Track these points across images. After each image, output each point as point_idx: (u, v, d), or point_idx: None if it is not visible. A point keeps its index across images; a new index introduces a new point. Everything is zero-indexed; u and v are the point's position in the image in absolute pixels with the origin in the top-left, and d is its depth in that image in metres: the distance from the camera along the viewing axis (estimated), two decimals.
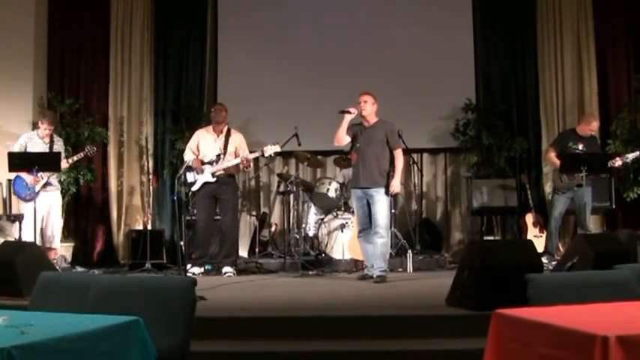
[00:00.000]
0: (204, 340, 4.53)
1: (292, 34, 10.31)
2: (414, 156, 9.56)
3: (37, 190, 8.03)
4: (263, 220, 9.77)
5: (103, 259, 9.87)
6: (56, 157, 8.06)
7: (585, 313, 2.94)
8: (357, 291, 6.78)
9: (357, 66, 10.01)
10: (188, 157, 8.24)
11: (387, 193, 7.31)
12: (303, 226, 9.13)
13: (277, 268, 8.68)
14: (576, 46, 9.76)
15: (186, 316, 3.55)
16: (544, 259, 7.62)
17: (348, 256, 8.48)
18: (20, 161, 7.74)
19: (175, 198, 8.26)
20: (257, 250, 9.12)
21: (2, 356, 2.34)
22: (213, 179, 8.09)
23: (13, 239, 8.48)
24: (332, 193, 8.83)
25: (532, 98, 9.95)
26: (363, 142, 7.40)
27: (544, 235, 8.95)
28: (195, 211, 8.63)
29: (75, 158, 8.30)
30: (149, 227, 9.60)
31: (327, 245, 8.63)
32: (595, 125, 8.63)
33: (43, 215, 8.08)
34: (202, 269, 8.18)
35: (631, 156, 8.42)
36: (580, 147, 8.45)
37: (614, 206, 9.20)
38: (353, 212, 7.96)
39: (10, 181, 8.78)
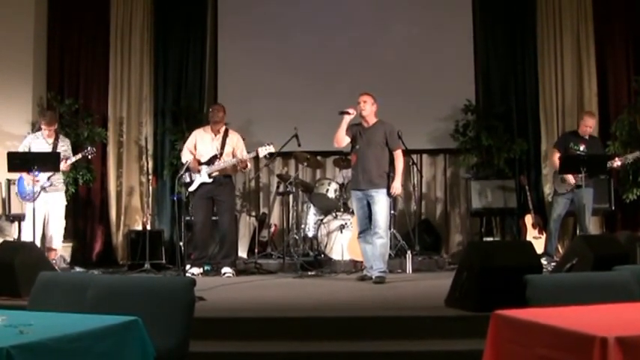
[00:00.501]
0: (203, 341, 4.54)
1: (292, 34, 10.31)
2: (414, 157, 9.56)
3: (35, 191, 8.02)
4: (262, 221, 9.77)
5: (102, 259, 9.86)
6: (55, 157, 8.05)
7: (584, 314, 2.94)
8: (356, 292, 6.78)
9: (357, 66, 10.01)
10: (186, 157, 8.24)
11: (388, 194, 7.30)
12: (303, 226, 9.13)
13: (276, 268, 8.68)
14: (576, 47, 9.76)
15: (185, 317, 3.55)
16: (543, 261, 7.62)
17: (347, 257, 8.48)
18: (19, 161, 7.73)
19: (175, 199, 8.27)
20: (256, 250, 9.12)
21: (1, 356, 2.34)
22: (210, 180, 8.08)
23: (12, 239, 8.48)
24: (331, 194, 8.84)
25: (532, 99, 9.94)
26: (363, 143, 7.39)
27: (543, 237, 8.95)
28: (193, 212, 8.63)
29: (73, 159, 8.28)
30: (148, 228, 9.59)
31: (326, 246, 8.63)
32: (589, 122, 8.58)
33: (44, 215, 8.08)
34: (201, 270, 8.18)
35: (631, 156, 8.44)
36: (581, 148, 8.45)
37: (613, 208, 9.21)
38: (352, 213, 7.96)
39: (9, 181, 8.79)
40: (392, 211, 8.27)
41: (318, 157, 9.69)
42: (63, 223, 8.50)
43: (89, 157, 8.56)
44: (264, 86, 10.09)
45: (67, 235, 9.70)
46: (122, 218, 9.95)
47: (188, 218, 8.67)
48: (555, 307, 3.06)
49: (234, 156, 8.15)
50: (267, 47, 10.23)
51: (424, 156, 10.23)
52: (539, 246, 8.49)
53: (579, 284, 3.64)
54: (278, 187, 9.83)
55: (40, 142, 8.17)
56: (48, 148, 8.13)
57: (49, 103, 9.77)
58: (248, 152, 8.22)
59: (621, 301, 3.25)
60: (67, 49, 10.15)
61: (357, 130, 7.45)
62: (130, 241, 9.22)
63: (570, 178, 8.35)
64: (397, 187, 7.34)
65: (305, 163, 9.39)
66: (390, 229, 7.86)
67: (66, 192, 9.47)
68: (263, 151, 8.08)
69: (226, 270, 8.09)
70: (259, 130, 9.77)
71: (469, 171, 9.94)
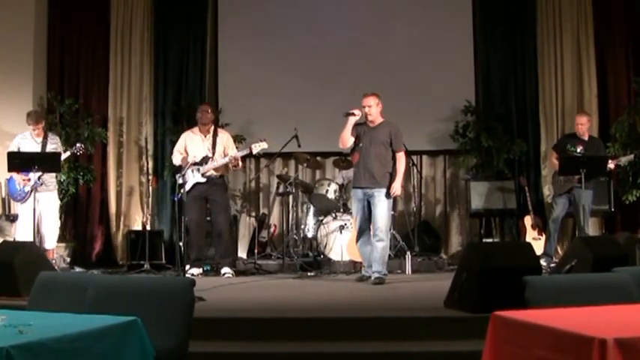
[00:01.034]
0: (202, 341, 4.54)
1: (292, 34, 10.30)
2: (414, 158, 9.56)
3: (27, 191, 8.02)
4: (262, 221, 9.77)
5: (101, 259, 9.85)
6: (56, 157, 8.05)
7: (583, 315, 2.94)
8: (355, 292, 6.79)
9: (357, 67, 10.01)
10: (177, 159, 8.23)
11: (387, 195, 7.29)
12: (302, 227, 9.13)
13: (276, 269, 8.68)
14: (576, 48, 9.76)
15: (185, 317, 3.56)
16: (542, 262, 7.61)
17: (346, 258, 8.47)
18: (19, 161, 7.72)
19: (176, 199, 8.27)
20: (256, 251, 9.11)
21: (1, 356, 2.34)
22: (204, 180, 8.07)
23: (12, 239, 8.47)
24: (331, 195, 8.84)
25: (531, 100, 9.95)
26: (367, 142, 7.33)
27: (543, 238, 8.95)
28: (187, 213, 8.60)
29: (63, 157, 8.25)
30: (148, 228, 9.60)
31: (325, 246, 8.63)
32: (579, 119, 8.55)
33: (37, 216, 8.05)
34: (201, 270, 8.18)
35: (624, 159, 8.45)
36: (578, 149, 8.45)
37: (612, 209, 9.21)
38: (352, 213, 7.92)
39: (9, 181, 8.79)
40: (392, 212, 8.25)
41: (318, 158, 9.69)
42: (57, 223, 8.49)
43: (78, 153, 8.51)
44: (264, 86, 10.09)
45: (67, 235, 9.75)
46: (122, 218, 9.94)
47: (188, 218, 8.66)
48: (554, 309, 3.07)
49: (225, 155, 8.15)
50: (268, 47, 10.23)
51: (424, 157, 10.23)
52: (538, 247, 8.50)
53: (578, 286, 3.65)
54: (278, 187, 9.83)
55: (28, 142, 8.14)
56: (37, 147, 8.10)
57: (49, 103, 9.78)
58: (240, 150, 8.23)
59: (620, 303, 3.25)
60: (67, 49, 10.14)
61: (361, 129, 7.39)
62: (130, 241, 9.22)
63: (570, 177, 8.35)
64: (397, 187, 7.31)
65: (305, 164, 9.39)
66: (389, 230, 7.84)
67: (66, 192, 9.53)
68: (256, 148, 8.04)
69: (226, 270, 8.09)
70: (259, 130, 9.75)
71: (469, 172, 9.94)
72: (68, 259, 9.22)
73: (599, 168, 8.21)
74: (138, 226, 9.76)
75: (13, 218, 8.82)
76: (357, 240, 7.53)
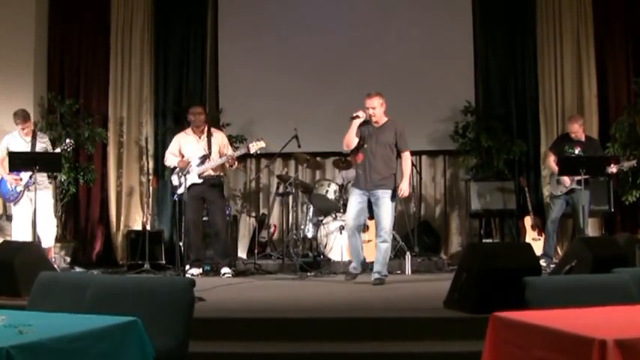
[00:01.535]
0: (202, 341, 4.54)
1: (292, 34, 10.30)
2: (413, 158, 9.53)
3: (19, 191, 8.02)
4: (262, 222, 9.78)
5: (101, 259, 9.86)
6: (57, 157, 8.06)
7: (583, 316, 2.94)
8: (355, 293, 6.78)
9: (357, 67, 10.01)
10: (171, 161, 8.21)
11: (393, 196, 7.22)
12: (302, 227, 9.13)
13: (276, 269, 8.68)
14: (576, 48, 9.76)
15: (185, 317, 3.56)
16: (542, 262, 7.61)
17: (346, 258, 8.45)
18: (20, 161, 7.72)
19: (177, 199, 8.29)
20: (256, 251, 9.10)
21: (1, 356, 2.34)
22: (201, 180, 8.07)
23: (12, 239, 8.47)
24: (331, 195, 8.83)
25: (531, 101, 9.94)
26: (371, 142, 7.23)
27: (542, 238, 8.95)
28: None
29: None
30: (148, 228, 9.60)
31: (325, 247, 8.64)
32: (572, 127, 8.54)
33: (31, 215, 8.04)
34: (201, 270, 8.19)
35: (627, 164, 8.44)
36: (576, 151, 8.46)
37: (612, 209, 9.20)
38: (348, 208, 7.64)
39: None
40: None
41: (318, 158, 9.70)
42: (53, 221, 8.47)
43: (68, 149, 8.48)
44: (264, 87, 10.10)
45: (67, 235, 9.75)
46: (122, 218, 9.96)
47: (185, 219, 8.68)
48: (554, 310, 3.07)
49: (221, 154, 8.15)
50: (268, 48, 10.23)
51: (423, 157, 10.24)
52: (538, 247, 8.50)
53: (578, 286, 3.65)
54: (278, 187, 9.83)
55: (17, 142, 8.13)
56: (26, 147, 8.08)
57: (49, 103, 9.80)
58: (238, 149, 8.23)
59: (620, 304, 3.25)
60: (67, 49, 10.16)
61: (365, 129, 7.28)
62: (130, 241, 9.23)
63: (566, 180, 8.36)
64: (405, 188, 7.25)
65: (305, 164, 9.39)
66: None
67: (66, 192, 9.54)
68: (254, 147, 8.03)
69: (225, 270, 8.09)
70: (260, 130, 9.74)
71: (468, 172, 9.94)
72: (68, 259, 9.24)
73: (599, 168, 8.21)
74: (138, 226, 9.77)
75: (12, 218, 8.81)
76: (348, 235, 7.41)
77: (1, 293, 5.96)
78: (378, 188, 7.17)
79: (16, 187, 8.02)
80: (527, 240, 8.94)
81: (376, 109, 7.24)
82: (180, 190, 7.97)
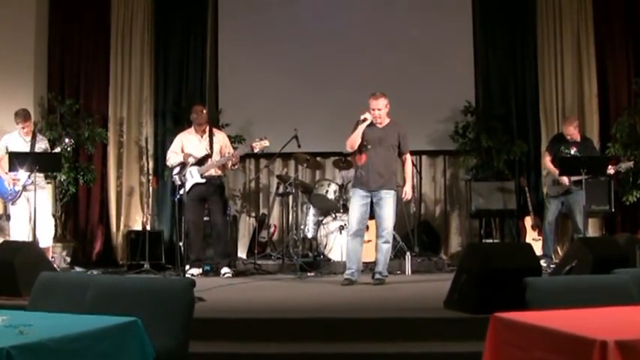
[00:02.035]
0: (202, 341, 4.54)
1: (292, 36, 10.30)
2: (413, 158, 9.54)
3: (17, 190, 8.02)
4: (262, 222, 9.77)
5: (101, 259, 9.86)
6: (57, 157, 8.07)
7: (584, 317, 2.94)
8: (355, 293, 6.78)
9: (357, 68, 10.01)
10: (173, 160, 8.20)
11: (396, 199, 7.20)
12: (302, 227, 9.13)
13: (276, 269, 8.68)
14: (576, 48, 9.76)
15: (185, 317, 3.55)
16: (542, 262, 7.61)
17: (346, 258, 8.46)
18: (20, 161, 7.72)
19: (176, 199, 8.28)
20: (256, 251, 9.11)
21: (1, 356, 2.34)
22: (203, 180, 8.07)
23: (10, 239, 8.46)
24: (331, 195, 8.83)
25: (532, 101, 9.95)
26: (375, 143, 7.19)
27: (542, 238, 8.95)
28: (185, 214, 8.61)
29: None
30: (148, 228, 9.60)
31: (325, 247, 8.64)
32: (567, 130, 8.57)
33: (30, 215, 8.04)
34: (201, 270, 8.18)
35: (624, 166, 8.46)
36: (572, 151, 8.46)
37: (613, 210, 9.19)
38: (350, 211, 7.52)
39: None
40: None
41: (318, 158, 9.69)
42: (51, 221, 8.47)
43: (67, 149, 8.45)
44: (264, 87, 10.09)
45: (67, 235, 9.76)
46: (122, 218, 9.96)
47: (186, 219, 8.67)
48: (555, 310, 3.06)
49: (222, 154, 8.15)
50: (267, 48, 10.23)
51: (424, 157, 10.24)
52: (538, 248, 8.52)
53: (579, 287, 3.65)
54: (278, 187, 9.83)
55: (17, 141, 8.13)
56: (26, 147, 8.09)
57: (49, 104, 9.81)
58: (238, 148, 8.23)
59: (621, 304, 3.25)
60: (67, 49, 10.17)
61: (369, 130, 7.21)
62: (130, 241, 9.23)
63: (565, 180, 8.36)
64: (409, 191, 7.25)
65: (305, 164, 9.38)
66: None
67: (66, 192, 9.54)
68: (258, 146, 8.03)
69: (225, 270, 8.09)
70: (259, 131, 9.72)
71: (469, 172, 9.94)
72: (68, 259, 9.24)
73: (599, 168, 8.22)
74: (138, 227, 9.77)
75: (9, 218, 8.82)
76: (350, 238, 7.27)
77: (2, 293, 5.96)
78: (380, 189, 7.14)
79: (14, 187, 8.02)
80: (528, 240, 8.94)
81: (381, 110, 7.20)
82: (187, 188, 8.00)
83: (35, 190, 7.73)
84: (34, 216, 7.66)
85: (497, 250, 6.39)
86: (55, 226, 9.20)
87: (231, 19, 10.35)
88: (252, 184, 10.42)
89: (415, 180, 9.65)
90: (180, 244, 8.26)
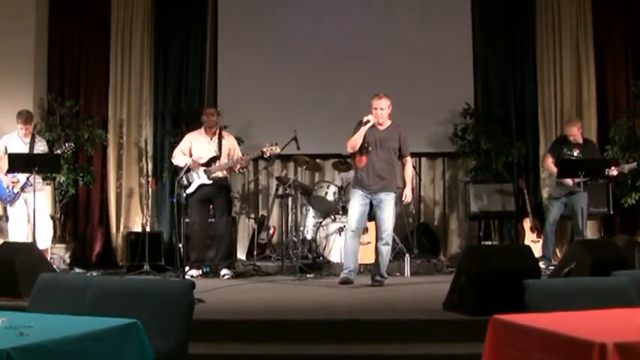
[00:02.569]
0: (202, 343, 4.55)
1: (291, 38, 10.30)
2: (413, 160, 9.54)
3: (16, 192, 8.02)
4: (261, 223, 9.77)
5: (101, 260, 9.85)
6: (56, 158, 8.07)
7: (583, 319, 2.94)
8: (354, 295, 6.78)
9: (356, 70, 10.01)
10: (179, 159, 8.21)
11: (396, 201, 7.20)
12: (301, 229, 9.13)
13: (275, 270, 8.68)
14: (575, 51, 9.77)
15: (185, 319, 3.56)
16: (541, 264, 7.61)
17: None
18: (20, 162, 7.73)
19: (175, 201, 8.28)
20: (255, 252, 9.11)
21: (2, 357, 2.35)
22: (210, 181, 8.09)
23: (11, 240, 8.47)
24: (330, 197, 8.84)
25: (530, 103, 9.96)
26: (376, 145, 7.17)
27: (541, 240, 8.95)
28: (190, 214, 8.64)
29: None
30: (148, 229, 9.60)
31: (324, 248, 8.64)
32: (570, 131, 8.54)
33: (28, 216, 8.05)
34: (200, 272, 8.19)
35: (627, 167, 8.45)
36: (575, 153, 8.46)
37: (611, 212, 9.20)
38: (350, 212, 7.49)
39: None
40: None
41: (317, 160, 9.68)
42: (49, 222, 8.46)
43: (67, 152, 8.44)
44: (263, 89, 10.09)
45: (67, 237, 9.75)
46: (122, 220, 9.95)
47: (187, 220, 8.67)
48: (554, 313, 3.07)
49: (230, 157, 8.17)
50: (267, 50, 10.23)
51: (423, 159, 10.24)
52: (537, 250, 8.51)
53: (578, 289, 3.65)
54: (277, 189, 9.82)
55: (16, 142, 8.13)
56: (24, 148, 8.09)
57: (49, 105, 9.81)
58: (250, 153, 8.25)
59: (620, 307, 3.26)
60: (67, 51, 10.17)
61: (370, 132, 7.19)
62: (130, 242, 9.21)
63: (569, 181, 8.36)
64: (409, 194, 7.23)
65: (304, 166, 9.39)
66: None
67: (65, 193, 9.53)
68: (268, 152, 8.08)
69: (225, 272, 8.10)
70: (259, 132, 9.79)
71: (468, 174, 9.94)
72: (68, 260, 9.23)
73: (598, 170, 8.23)
74: (137, 228, 9.77)
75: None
76: (348, 237, 7.25)
77: (2, 294, 5.97)
78: (381, 191, 7.12)
79: (13, 189, 8.02)
80: (526, 242, 8.95)
81: (384, 110, 7.20)
82: (189, 190, 8.06)
83: (34, 191, 7.73)
84: (34, 217, 7.66)
85: (497, 252, 6.41)
86: (55, 227, 9.20)
87: (230, 21, 10.35)
88: (252, 186, 10.42)
89: (414, 182, 9.65)
90: (180, 245, 8.26)
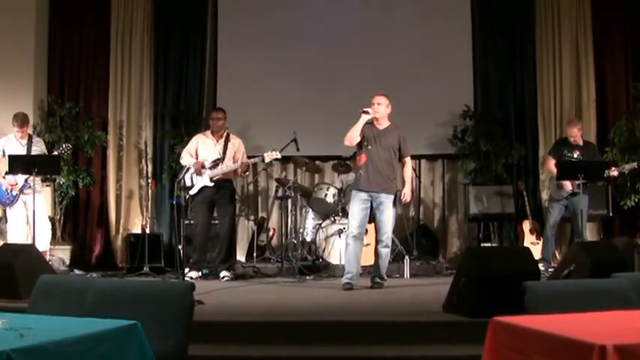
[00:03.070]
0: (201, 344, 4.54)
1: (291, 39, 10.31)
2: (412, 162, 9.54)
3: (15, 194, 8.02)
4: (261, 225, 9.78)
5: (101, 262, 9.85)
6: (56, 159, 8.07)
7: (583, 321, 2.94)
8: (353, 296, 6.78)
9: (356, 72, 10.01)
10: (186, 160, 8.23)
11: (395, 202, 7.19)
12: (301, 231, 9.13)
13: (275, 272, 8.68)
14: (574, 53, 9.77)
15: (184, 320, 3.56)
16: (541, 266, 7.62)
17: (345, 262, 8.45)
18: (20, 164, 7.73)
19: (174, 202, 8.29)
20: (255, 254, 9.11)
21: (2, 359, 2.35)
22: (212, 183, 8.10)
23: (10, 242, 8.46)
24: (330, 199, 8.83)
25: (530, 105, 9.96)
26: (376, 145, 7.15)
27: (541, 242, 8.95)
28: (193, 216, 8.66)
29: None
30: (147, 231, 9.60)
31: (324, 250, 8.63)
32: (571, 132, 8.53)
33: (26, 218, 8.04)
34: (200, 273, 8.19)
35: (628, 167, 8.45)
36: (575, 155, 8.46)
37: (611, 214, 9.20)
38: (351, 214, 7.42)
39: None
40: None
41: (317, 162, 9.69)
42: (48, 224, 8.46)
43: (65, 153, 8.45)
44: (263, 91, 10.10)
45: (67, 238, 9.75)
46: (121, 221, 9.96)
47: (187, 222, 8.68)
48: (554, 314, 3.07)
49: (235, 160, 8.17)
50: (267, 52, 10.24)
51: (422, 161, 10.23)
52: (536, 252, 8.50)
53: (578, 291, 3.65)
54: (277, 191, 9.83)
55: (13, 144, 8.13)
56: (21, 150, 8.09)
57: (49, 106, 9.81)
58: (253, 157, 8.24)
59: (619, 309, 3.26)
60: (67, 52, 10.17)
61: (369, 131, 7.18)
62: (129, 244, 9.22)
63: (568, 185, 8.36)
64: (408, 193, 7.21)
65: (304, 168, 9.39)
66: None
67: (65, 195, 9.52)
68: (269, 157, 8.08)
69: (225, 274, 8.10)
70: (258, 134, 9.79)
71: (467, 176, 9.94)
72: (67, 262, 9.23)
73: (597, 173, 8.22)
74: (137, 230, 9.78)
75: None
76: (350, 242, 7.18)
77: (2, 296, 5.98)
78: (381, 192, 7.10)
79: (12, 191, 8.02)
80: (526, 244, 8.95)
81: (382, 105, 7.19)
82: (192, 191, 8.10)
83: (34, 193, 7.74)
84: (33, 219, 7.67)
85: (496, 253, 6.40)
86: (55, 229, 9.21)
87: (230, 22, 10.36)
88: (251, 188, 10.42)
89: (414, 184, 9.65)
90: (180, 247, 8.26)
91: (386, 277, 7.34)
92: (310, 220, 9.11)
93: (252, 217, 10.27)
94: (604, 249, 6.60)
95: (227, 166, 8.12)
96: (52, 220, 9.04)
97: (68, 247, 9.53)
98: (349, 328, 5.32)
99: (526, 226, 9.30)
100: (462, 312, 5.36)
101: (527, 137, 9.95)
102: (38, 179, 8.15)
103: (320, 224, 8.78)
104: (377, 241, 7.26)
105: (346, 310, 6.04)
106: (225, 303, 6.37)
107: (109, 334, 2.88)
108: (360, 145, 7.24)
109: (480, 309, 4.99)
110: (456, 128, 9.89)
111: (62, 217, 9.79)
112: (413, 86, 9.95)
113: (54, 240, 9.00)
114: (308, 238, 9.07)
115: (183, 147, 8.62)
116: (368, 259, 7.82)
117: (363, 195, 7.14)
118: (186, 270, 7.96)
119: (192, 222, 8.59)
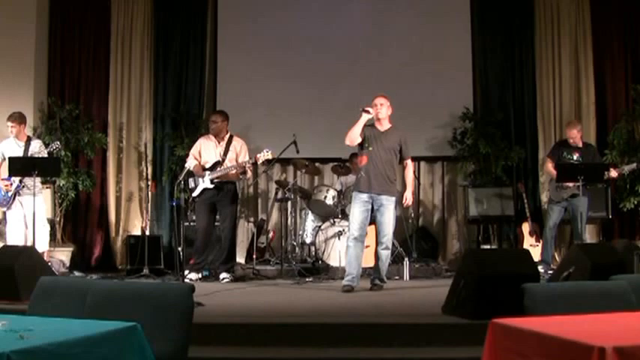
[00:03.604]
0: (201, 346, 4.54)
1: (291, 42, 10.32)
2: (413, 164, 9.55)
3: (10, 196, 8.02)
4: (261, 227, 9.78)
5: (100, 264, 9.87)
6: (56, 161, 8.07)
7: (582, 323, 2.95)
8: (353, 299, 6.78)
9: (356, 74, 10.04)
10: (190, 163, 8.23)
11: (396, 205, 7.19)
12: (301, 233, 9.14)
13: (274, 274, 8.68)
14: (574, 55, 9.79)
15: (184, 322, 3.55)
16: (540, 268, 7.61)
17: (344, 264, 8.43)
18: (20, 166, 7.73)
19: (174, 204, 8.29)
20: (254, 256, 9.11)
21: None
22: (212, 186, 8.10)
23: (8, 243, 8.47)
24: (329, 201, 8.84)
25: (529, 107, 9.98)
26: (377, 146, 7.14)
27: (540, 244, 8.95)
28: (194, 217, 8.66)
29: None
30: (147, 233, 9.60)
31: (324, 252, 8.64)
32: (570, 133, 8.51)
33: (24, 219, 8.04)
34: (200, 275, 8.19)
35: (627, 168, 8.45)
36: (575, 157, 8.46)
37: (610, 216, 9.21)
38: (352, 216, 7.41)
39: None
40: None
41: (317, 164, 9.69)
42: (46, 226, 8.45)
43: (55, 151, 8.44)
44: (263, 93, 10.11)
45: (67, 240, 9.75)
46: (121, 223, 9.96)
47: (187, 224, 8.67)
48: (553, 316, 3.07)
49: (236, 162, 8.18)
50: (266, 55, 10.25)
51: (422, 163, 10.23)
52: (536, 254, 8.51)
53: (577, 293, 3.65)
54: (276, 193, 9.83)
55: (11, 146, 8.14)
56: (19, 151, 8.10)
57: (49, 108, 9.81)
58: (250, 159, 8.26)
59: (619, 311, 3.26)
60: (67, 54, 10.18)
61: (370, 132, 7.18)
62: (129, 246, 9.22)
63: (569, 185, 8.36)
64: (409, 196, 7.20)
65: (303, 170, 9.39)
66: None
67: (65, 197, 9.52)
68: (262, 157, 8.08)
69: (224, 275, 8.10)
70: (258, 136, 9.79)
71: (466, 178, 9.96)
72: (67, 264, 9.23)
73: (596, 175, 8.23)
74: (137, 231, 9.78)
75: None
76: (351, 244, 7.15)
77: (1, 297, 5.97)
78: (382, 194, 7.09)
79: (7, 193, 8.02)
80: (525, 246, 8.95)
81: (383, 105, 7.18)
82: (195, 193, 8.14)
83: (34, 194, 7.74)
84: (33, 221, 7.67)
85: (496, 255, 6.41)
86: (55, 230, 9.21)
87: (230, 24, 10.37)
88: (251, 190, 10.42)
89: (414, 186, 9.65)
90: (179, 249, 8.26)
91: (386, 279, 7.34)
92: (310, 222, 9.11)
93: (251, 219, 10.27)
94: (603, 251, 6.60)
95: (226, 167, 8.13)
96: (52, 221, 9.04)
97: (68, 249, 9.53)
98: (349, 330, 5.32)
99: (525, 228, 9.30)
100: (462, 314, 5.36)
101: (526, 139, 9.96)
102: (38, 181, 8.15)
103: (320, 226, 8.78)
104: (377, 243, 7.26)
105: (345, 312, 6.04)
106: (224, 305, 6.36)
107: (109, 336, 2.88)
108: (361, 146, 7.23)
109: (480, 311, 4.99)
110: (456, 130, 9.91)
111: (62, 219, 9.79)
112: (412, 88, 9.97)
113: (54, 242, 9.00)
114: (308, 240, 9.08)
115: (185, 149, 8.63)
116: (368, 261, 7.82)
117: (364, 196, 7.13)
118: (186, 272, 7.96)
119: (193, 224, 8.58)
